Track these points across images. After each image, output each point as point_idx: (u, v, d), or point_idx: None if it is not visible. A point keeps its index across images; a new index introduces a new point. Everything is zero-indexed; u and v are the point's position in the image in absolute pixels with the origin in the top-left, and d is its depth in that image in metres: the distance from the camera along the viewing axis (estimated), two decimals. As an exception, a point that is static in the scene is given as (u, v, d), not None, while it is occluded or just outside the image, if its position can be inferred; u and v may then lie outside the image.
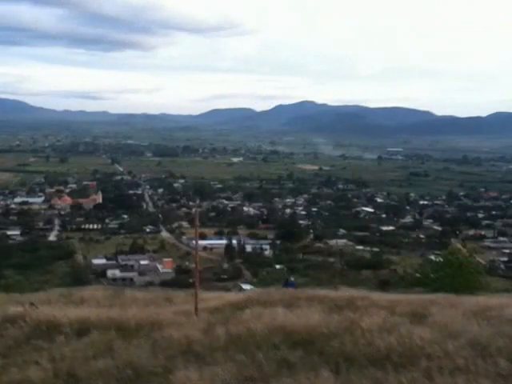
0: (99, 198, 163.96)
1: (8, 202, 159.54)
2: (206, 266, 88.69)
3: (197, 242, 20.97)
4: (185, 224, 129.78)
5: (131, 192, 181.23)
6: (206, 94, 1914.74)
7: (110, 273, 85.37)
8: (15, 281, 71.05)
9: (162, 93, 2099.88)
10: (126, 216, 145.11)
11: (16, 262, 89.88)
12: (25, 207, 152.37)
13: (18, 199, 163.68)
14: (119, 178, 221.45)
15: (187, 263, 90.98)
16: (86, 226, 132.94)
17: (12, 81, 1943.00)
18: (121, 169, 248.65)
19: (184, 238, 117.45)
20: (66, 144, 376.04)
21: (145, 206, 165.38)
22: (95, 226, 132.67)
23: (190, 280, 61.73)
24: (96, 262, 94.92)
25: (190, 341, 10.66)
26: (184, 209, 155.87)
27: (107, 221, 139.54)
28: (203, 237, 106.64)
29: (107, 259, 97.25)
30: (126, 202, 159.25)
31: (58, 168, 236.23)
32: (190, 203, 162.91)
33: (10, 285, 60.36)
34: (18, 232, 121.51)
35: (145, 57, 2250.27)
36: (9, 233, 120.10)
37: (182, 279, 72.58)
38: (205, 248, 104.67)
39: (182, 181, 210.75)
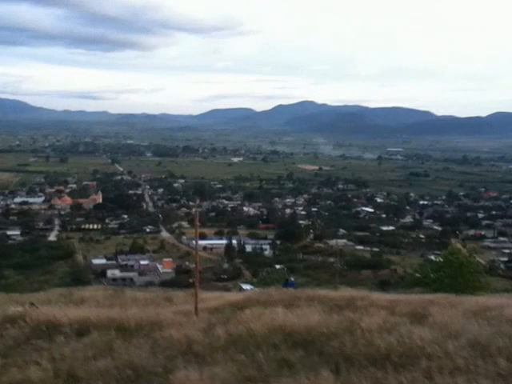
0: (99, 198, 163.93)
1: (8, 202, 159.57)
2: (206, 266, 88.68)
3: (197, 242, 20.95)
4: (185, 224, 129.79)
5: (131, 192, 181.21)
6: (206, 93, 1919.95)
7: (109, 273, 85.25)
8: (15, 281, 71.20)
9: (162, 93, 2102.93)
10: (125, 216, 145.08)
11: (16, 262, 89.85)
12: (25, 207, 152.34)
13: (18, 199, 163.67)
14: (119, 177, 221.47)
15: (187, 263, 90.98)
16: (86, 225, 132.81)
17: (12, 81, 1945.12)
18: (121, 169, 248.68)
19: (184, 237, 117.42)
20: (65, 144, 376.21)
21: (145, 206, 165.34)
22: (95, 226, 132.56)
23: (190, 280, 61.74)
24: (96, 261, 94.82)
25: (190, 341, 10.66)
26: (184, 209, 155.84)
27: (107, 221, 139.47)
28: (203, 237, 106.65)
29: (107, 259, 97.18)
30: (125, 201, 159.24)
31: (57, 168, 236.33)
32: (190, 203, 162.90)
33: (10, 285, 60.49)
34: (18, 232, 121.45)
35: (145, 57, 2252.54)
36: (9, 233, 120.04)
37: (181, 279, 72.54)
38: (205, 248, 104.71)
39: (181, 181, 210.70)
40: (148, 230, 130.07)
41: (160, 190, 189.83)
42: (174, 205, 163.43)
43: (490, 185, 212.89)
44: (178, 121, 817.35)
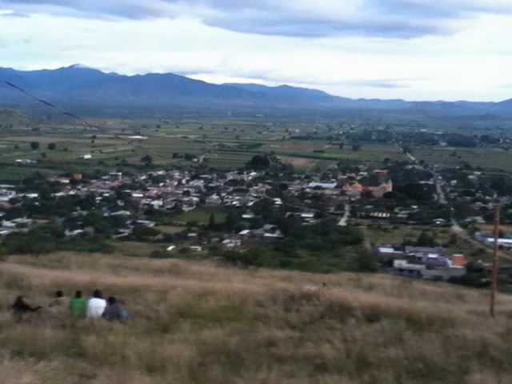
0: (389, 187, 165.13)
1: (303, 186, 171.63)
2: (503, 267, 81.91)
3: (496, 240, 19.46)
4: (479, 219, 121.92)
5: (422, 182, 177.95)
6: (510, 79, 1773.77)
7: (396, 263, 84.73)
8: (307, 260, 76.36)
9: (460, 79, 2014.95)
10: (415, 206, 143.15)
11: (308, 243, 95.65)
12: (318, 192, 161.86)
13: (312, 184, 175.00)
14: (410, 167, 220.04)
15: (480, 261, 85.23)
16: (375, 213, 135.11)
17: (312, 71, 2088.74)
18: (412, 158, 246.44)
19: (477, 233, 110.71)
20: (359, 132, 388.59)
21: (436, 198, 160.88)
22: (383, 215, 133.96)
23: (483, 279, 57.97)
24: (383, 250, 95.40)
25: (485, 343, 9.99)
26: (479, 203, 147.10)
27: (396, 210, 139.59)
28: (500, 235, 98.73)
29: (394, 249, 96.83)
30: (415, 192, 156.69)
31: (350, 155, 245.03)
32: (487, 197, 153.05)
33: (304, 264, 65.07)
34: (311, 215, 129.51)
35: (444, 42, 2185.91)
36: (303, 215, 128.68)
37: (473, 277, 68.41)
38: (501, 247, 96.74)
39: (478, 173, 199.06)
40: (438, 222, 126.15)
41: (453, 182, 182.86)
42: (468, 198, 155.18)
43: None
44: (477, 108, 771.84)
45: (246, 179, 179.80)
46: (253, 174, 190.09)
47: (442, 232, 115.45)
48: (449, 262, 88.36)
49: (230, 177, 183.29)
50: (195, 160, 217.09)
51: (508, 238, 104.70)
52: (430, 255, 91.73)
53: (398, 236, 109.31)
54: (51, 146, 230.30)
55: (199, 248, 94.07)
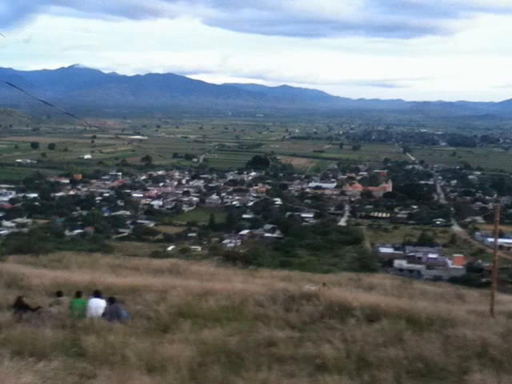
0: (389, 187, 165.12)
1: (303, 186, 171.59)
2: (503, 267, 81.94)
3: (496, 240, 19.51)
4: (479, 219, 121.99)
5: (422, 182, 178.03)
6: (510, 79, 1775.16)
7: (396, 263, 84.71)
8: (307, 260, 76.35)
9: (460, 79, 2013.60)
10: (415, 206, 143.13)
11: (308, 243, 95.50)
12: (318, 192, 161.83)
13: (312, 184, 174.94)
14: (410, 167, 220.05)
15: (480, 261, 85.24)
16: (375, 213, 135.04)
17: (312, 71, 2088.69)
18: (412, 158, 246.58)
19: (477, 233, 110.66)
20: (359, 132, 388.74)
21: (436, 198, 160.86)
22: (383, 215, 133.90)
23: (483, 279, 57.95)
24: (383, 250, 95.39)
25: (485, 343, 10.02)
26: (479, 203, 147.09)
27: (396, 210, 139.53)
28: (500, 235, 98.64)
29: (394, 249, 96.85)
30: (415, 192, 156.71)
31: (350, 155, 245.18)
32: (487, 197, 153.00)
33: (304, 264, 65.07)
34: (311, 215, 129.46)
35: (444, 42, 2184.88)
36: (303, 215, 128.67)
37: (473, 277, 68.35)
38: (501, 247, 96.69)
39: (478, 173, 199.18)
40: (438, 222, 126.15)
41: (453, 182, 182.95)
42: (468, 198, 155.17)
43: None
44: (477, 108, 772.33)
45: (246, 179, 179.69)
46: (253, 173, 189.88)
47: (442, 232, 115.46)
48: (449, 262, 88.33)
49: (230, 177, 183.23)
50: (195, 160, 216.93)
51: (508, 237, 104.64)
52: (430, 255, 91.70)
53: (398, 236, 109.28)
54: (51, 146, 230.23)
55: (199, 248, 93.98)
